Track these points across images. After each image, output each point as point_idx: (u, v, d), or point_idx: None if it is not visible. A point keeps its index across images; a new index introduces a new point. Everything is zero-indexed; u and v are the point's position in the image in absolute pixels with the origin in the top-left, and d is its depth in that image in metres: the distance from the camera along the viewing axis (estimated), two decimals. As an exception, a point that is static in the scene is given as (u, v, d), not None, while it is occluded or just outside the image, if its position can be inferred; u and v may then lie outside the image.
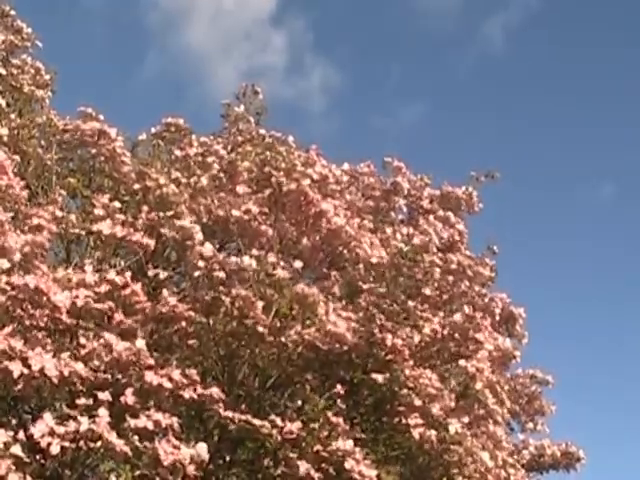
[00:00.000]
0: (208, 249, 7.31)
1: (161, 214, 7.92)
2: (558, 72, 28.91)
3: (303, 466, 6.89)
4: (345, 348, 7.48)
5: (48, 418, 6.18)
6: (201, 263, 7.23)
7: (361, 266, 8.11)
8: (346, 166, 9.54)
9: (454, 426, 7.55)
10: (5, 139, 8.87)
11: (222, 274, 7.20)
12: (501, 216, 25.07)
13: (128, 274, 7.24)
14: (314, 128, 27.54)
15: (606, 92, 28.75)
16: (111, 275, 7.06)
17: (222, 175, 8.42)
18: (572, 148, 28.64)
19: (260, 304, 7.23)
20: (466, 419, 7.78)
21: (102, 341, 6.72)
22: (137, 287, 7.18)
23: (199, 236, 7.57)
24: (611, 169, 28.14)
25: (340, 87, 30.38)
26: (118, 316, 7.04)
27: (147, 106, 24.91)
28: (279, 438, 7.05)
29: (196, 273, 7.32)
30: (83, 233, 7.98)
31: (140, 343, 6.82)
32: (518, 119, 29.44)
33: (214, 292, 7.30)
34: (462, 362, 7.86)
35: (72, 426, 6.12)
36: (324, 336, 7.35)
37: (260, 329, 7.23)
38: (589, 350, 27.71)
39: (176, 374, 6.79)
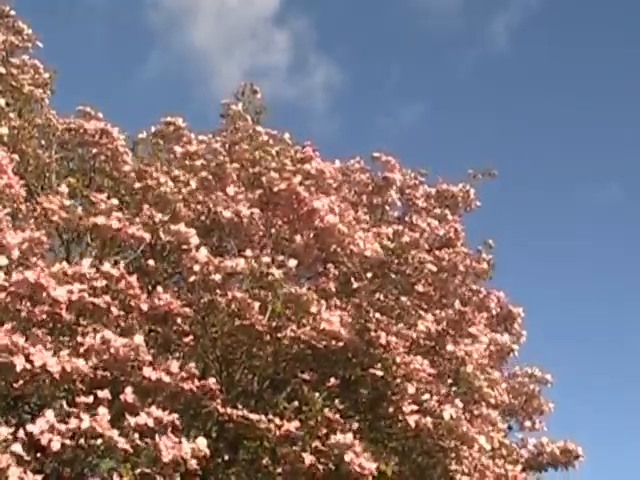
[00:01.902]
0: (203, 254, 7.32)
1: (157, 219, 7.92)
2: (560, 72, 28.96)
3: (308, 458, 6.93)
4: (341, 344, 7.49)
5: (49, 414, 6.20)
6: (196, 267, 7.23)
7: (355, 260, 8.12)
8: (337, 164, 9.55)
9: (448, 412, 7.57)
10: (5, 139, 8.92)
11: (218, 277, 7.21)
12: (502, 216, 25.14)
13: (122, 265, 7.26)
14: (316, 127, 27.61)
15: (609, 92, 28.82)
16: (106, 267, 7.07)
17: (210, 177, 8.44)
18: (576, 148, 28.69)
19: (256, 305, 7.26)
20: (460, 404, 7.80)
21: (100, 338, 6.74)
22: (132, 279, 7.18)
23: (194, 240, 7.57)
24: (615, 170, 28.15)
25: (342, 86, 30.43)
26: (115, 311, 7.04)
27: (150, 105, 24.97)
28: (277, 433, 7.08)
29: (191, 278, 7.33)
30: (85, 228, 8.00)
31: (138, 339, 6.85)
32: (520, 119, 29.51)
33: (210, 295, 7.31)
34: (450, 347, 7.89)
35: (73, 423, 6.14)
36: (319, 334, 7.36)
37: (258, 328, 7.25)
38: (589, 350, 27.72)
39: (175, 367, 6.84)
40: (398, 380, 7.64)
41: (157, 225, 7.85)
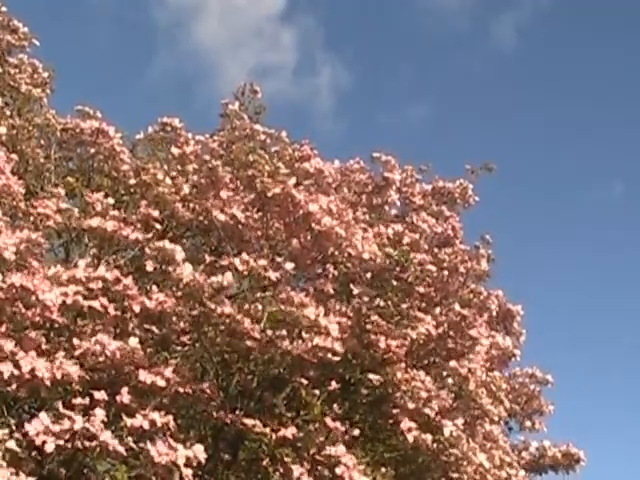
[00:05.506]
0: (187, 271, 7.19)
1: (141, 237, 7.85)
2: (565, 72, 28.84)
3: (297, 470, 6.89)
4: (337, 358, 7.39)
5: (44, 416, 6.20)
6: (183, 282, 7.14)
7: (355, 262, 8.06)
8: (337, 163, 9.51)
9: (448, 429, 7.51)
10: (3, 138, 8.92)
11: (207, 289, 7.10)
12: (501, 215, 25.10)
13: (116, 271, 7.22)
14: (322, 127, 27.55)
15: (613, 91, 28.66)
16: (101, 271, 7.03)
17: (203, 182, 8.40)
18: (582, 148, 28.54)
19: (247, 321, 7.16)
20: (461, 420, 7.73)
21: (95, 341, 6.71)
22: (128, 281, 7.14)
23: (179, 256, 7.43)
24: (618, 168, 28.03)
25: (348, 86, 30.35)
26: (112, 312, 7.00)
27: (156, 105, 24.84)
28: (274, 437, 7.04)
29: (179, 293, 7.24)
30: (82, 229, 7.97)
31: (133, 342, 6.82)
32: (525, 118, 29.34)
33: (200, 307, 7.22)
34: (453, 363, 7.80)
35: (67, 424, 6.13)
36: (312, 349, 7.21)
37: (249, 343, 7.18)
38: (589, 349, 27.63)
39: (168, 372, 6.79)
40: (398, 394, 7.60)
41: (142, 243, 7.76)
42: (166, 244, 7.50)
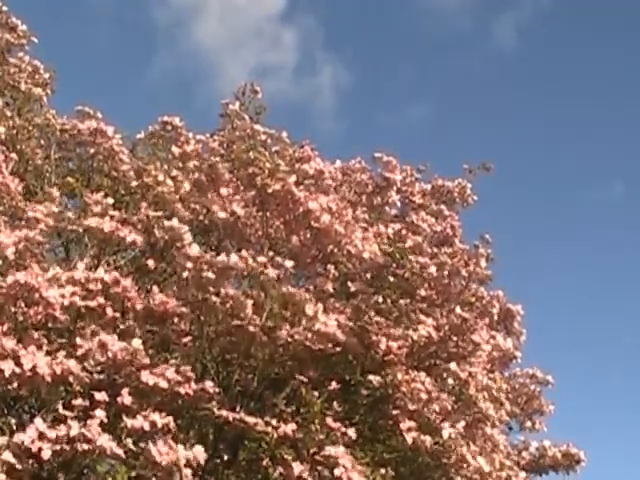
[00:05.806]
0: (195, 250, 7.22)
1: (151, 214, 7.86)
2: (565, 72, 28.85)
3: (298, 468, 6.87)
4: (339, 349, 7.42)
5: (39, 422, 6.14)
6: (189, 264, 7.14)
7: (355, 261, 8.06)
8: (338, 163, 9.51)
9: (447, 431, 7.50)
10: (3, 138, 8.91)
11: (211, 274, 7.11)
12: (504, 215, 25.12)
13: (115, 273, 7.20)
14: (323, 127, 27.57)
15: (614, 91, 28.68)
16: (100, 273, 7.01)
17: (204, 179, 8.38)
18: (582, 148, 28.54)
19: (250, 303, 7.17)
20: (462, 423, 7.73)
21: (98, 341, 6.69)
22: (127, 283, 7.12)
23: (187, 236, 7.47)
24: (619, 168, 28.03)
25: (349, 86, 30.36)
26: (110, 312, 6.99)
27: (156, 105, 24.81)
28: (275, 435, 7.03)
29: (184, 274, 7.23)
30: (80, 230, 7.95)
31: (137, 343, 6.79)
32: (528, 119, 29.34)
33: (203, 292, 7.22)
34: (453, 366, 7.79)
35: (63, 431, 6.09)
36: (313, 335, 7.25)
37: (251, 328, 7.18)
38: (589, 349, 27.64)
39: (170, 372, 6.77)
40: (398, 395, 7.59)
41: (152, 221, 7.77)
42: (174, 223, 7.50)
